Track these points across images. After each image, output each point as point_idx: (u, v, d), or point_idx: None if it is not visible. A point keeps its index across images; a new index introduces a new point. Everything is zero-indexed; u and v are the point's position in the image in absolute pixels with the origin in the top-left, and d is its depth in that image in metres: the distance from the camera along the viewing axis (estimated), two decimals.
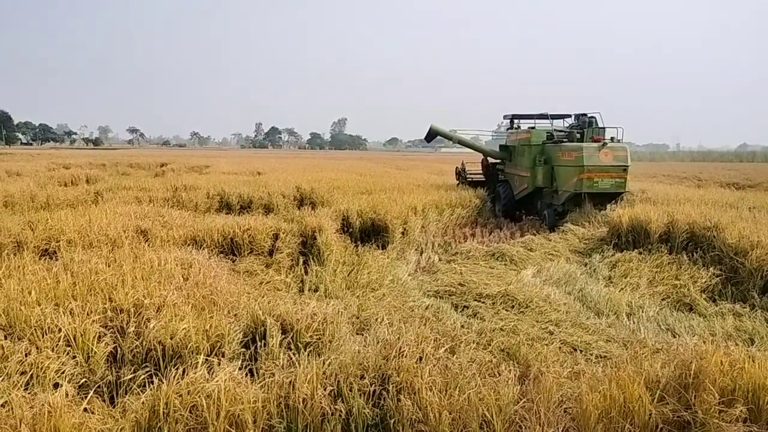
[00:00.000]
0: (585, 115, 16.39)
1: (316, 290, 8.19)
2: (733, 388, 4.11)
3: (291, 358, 4.59)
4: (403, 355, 4.50)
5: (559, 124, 17.88)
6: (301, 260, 9.32)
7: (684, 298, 8.18)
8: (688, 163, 61.11)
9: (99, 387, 4.30)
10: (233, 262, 8.79)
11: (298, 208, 13.09)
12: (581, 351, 6.25)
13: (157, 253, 7.09)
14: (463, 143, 20.07)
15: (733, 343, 5.41)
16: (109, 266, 6.36)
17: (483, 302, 7.93)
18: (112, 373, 4.46)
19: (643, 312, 7.64)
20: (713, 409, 3.96)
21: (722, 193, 17.93)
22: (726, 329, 6.92)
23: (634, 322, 7.28)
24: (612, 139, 15.31)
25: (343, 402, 4.06)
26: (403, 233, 12.12)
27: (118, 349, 4.67)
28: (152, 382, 4.11)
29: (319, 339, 5.17)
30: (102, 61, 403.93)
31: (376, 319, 6.51)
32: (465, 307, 7.88)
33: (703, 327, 7.08)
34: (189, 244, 8.61)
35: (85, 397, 3.94)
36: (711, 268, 8.88)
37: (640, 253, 10.14)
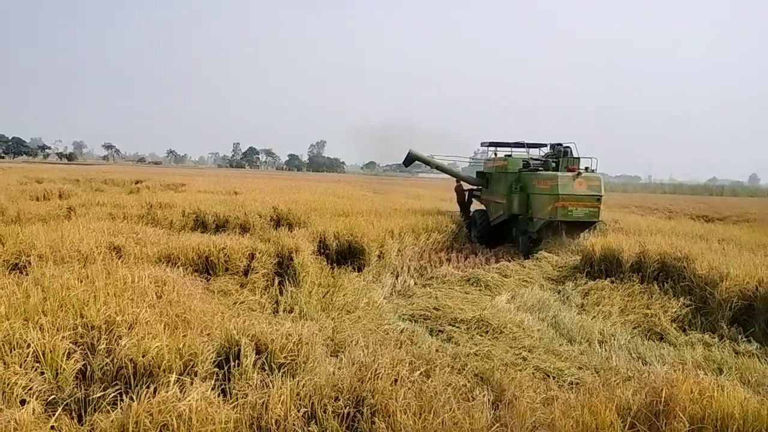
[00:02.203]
0: (560, 144, 16.70)
1: (291, 311, 8.15)
2: (703, 416, 4.17)
3: (265, 379, 4.55)
4: (378, 377, 4.50)
5: (535, 152, 18.16)
6: (276, 281, 9.27)
7: (655, 327, 8.30)
8: (659, 195, 62.23)
9: (67, 404, 4.20)
10: (207, 281, 8.71)
11: (275, 229, 13.02)
12: (554, 377, 6.30)
13: (131, 270, 6.98)
14: (440, 168, 20.27)
15: (703, 372, 5.49)
16: (80, 282, 6.24)
17: (458, 327, 7.96)
18: (81, 391, 4.37)
19: (614, 340, 7.73)
20: None
21: (692, 225, 18.30)
22: (696, 358, 7.03)
23: (606, 350, 7.35)
24: (586, 168, 15.59)
25: (316, 424, 4.03)
26: (379, 256, 12.13)
27: (88, 366, 4.59)
28: (122, 401, 4.05)
29: (294, 360, 5.14)
30: (78, 76, 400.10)
31: (352, 341, 6.50)
32: (440, 331, 7.90)
33: (674, 356, 7.18)
34: (163, 262, 8.51)
35: (53, 415, 3.86)
36: (681, 298, 9.04)
37: (612, 282, 10.28)
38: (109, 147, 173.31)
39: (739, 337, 7.81)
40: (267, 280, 9.27)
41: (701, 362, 6.90)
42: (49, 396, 4.20)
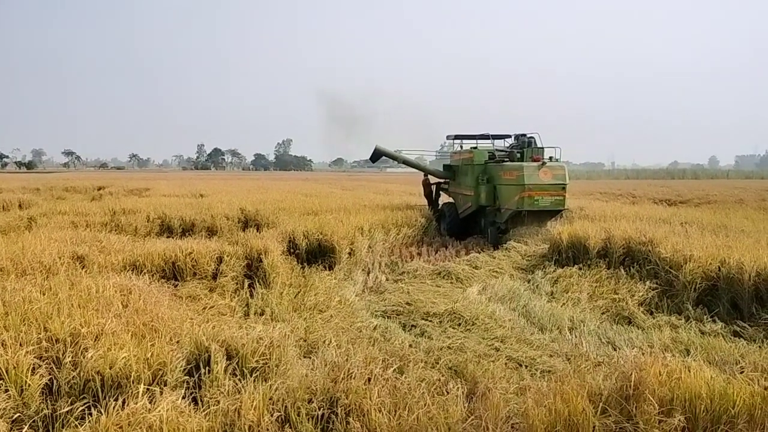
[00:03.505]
0: (524, 135, 16.86)
1: (262, 314, 8.07)
2: (671, 398, 4.25)
3: (236, 385, 4.49)
4: (351, 376, 4.48)
5: (500, 144, 18.31)
6: (246, 283, 9.17)
7: (623, 312, 8.44)
8: (622, 181, 63.35)
9: (34, 421, 4.09)
10: (175, 287, 8.57)
11: (243, 231, 12.89)
12: (526, 366, 6.36)
13: (95, 280, 6.84)
14: (407, 163, 20.28)
15: (670, 354, 5.60)
16: (43, 294, 6.09)
17: (430, 321, 7.99)
18: (47, 407, 4.25)
19: (584, 326, 7.83)
20: (653, 419, 4.09)
21: (655, 209, 18.69)
22: (663, 341, 7.16)
23: (576, 336, 7.45)
24: (551, 158, 15.78)
25: (290, 427, 4.01)
26: (350, 254, 12.10)
27: (54, 380, 4.47)
28: (91, 415, 3.96)
29: (266, 364, 5.08)
30: (34, 81, 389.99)
31: (324, 342, 6.46)
32: (413, 326, 7.91)
33: (642, 339, 7.31)
34: (128, 270, 8.36)
35: None
36: (647, 282, 9.21)
37: (580, 269, 10.42)
38: (69, 154, 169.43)
39: (705, 317, 7.99)
40: (236, 283, 9.16)
41: (669, 344, 7.03)
42: (14, 414, 4.07)
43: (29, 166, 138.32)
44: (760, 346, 6.64)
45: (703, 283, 8.57)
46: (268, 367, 5.06)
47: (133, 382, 4.43)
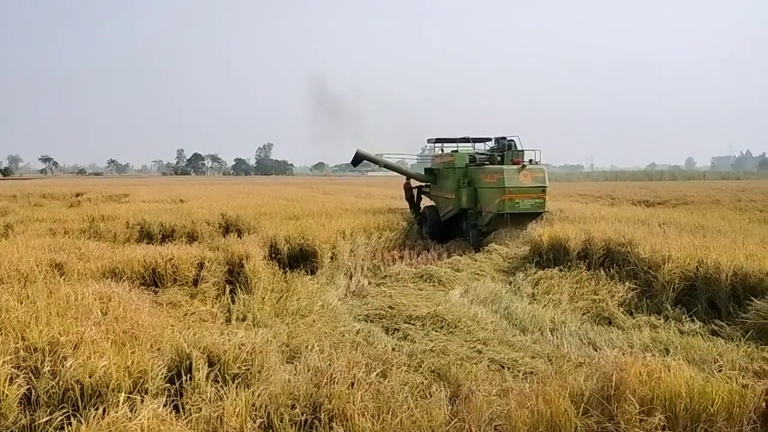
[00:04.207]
0: (504, 138, 17.00)
1: (243, 319, 8.02)
2: (652, 398, 4.30)
3: (218, 391, 4.46)
4: (334, 381, 4.47)
5: (480, 147, 18.43)
6: (227, 289, 9.10)
7: (603, 312, 8.51)
8: (601, 183, 63.98)
9: None
10: (156, 293, 8.48)
11: (224, 236, 12.80)
12: (509, 368, 6.39)
13: (74, 288, 6.75)
14: (389, 167, 20.35)
15: (650, 354, 5.66)
16: (21, 303, 6.00)
17: (413, 324, 7.99)
18: (26, 417, 4.18)
19: (565, 327, 7.89)
20: (634, 418, 4.14)
21: (634, 211, 18.90)
22: (643, 341, 7.23)
23: (557, 338, 7.51)
24: (530, 161, 15.93)
25: None
26: (332, 258, 12.07)
27: (33, 390, 4.40)
28: (70, 424, 3.90)
29: (248, 370, 5.04)
30: (9, 85, 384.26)
31: (307, 347, 6.43)
32: (395, 329, 7.91)
33: (622, 339, 7.38)
34: (108, 277, 8.27)
35: None
36: (627, 283, 9.30)
37: (561, 270, 10.49)
38: (46, 160, 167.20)
39: (683, 317, 8.08)
40: (218, 289, 9.10)
41: (648, 344, 7.10)
42: None
43: (5, 172, 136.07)
44: (737, 345, 6.72)
45: (681, 283, 8.67)
46: (251, 373, 5.02)
47: (113, 391, 4.37)
